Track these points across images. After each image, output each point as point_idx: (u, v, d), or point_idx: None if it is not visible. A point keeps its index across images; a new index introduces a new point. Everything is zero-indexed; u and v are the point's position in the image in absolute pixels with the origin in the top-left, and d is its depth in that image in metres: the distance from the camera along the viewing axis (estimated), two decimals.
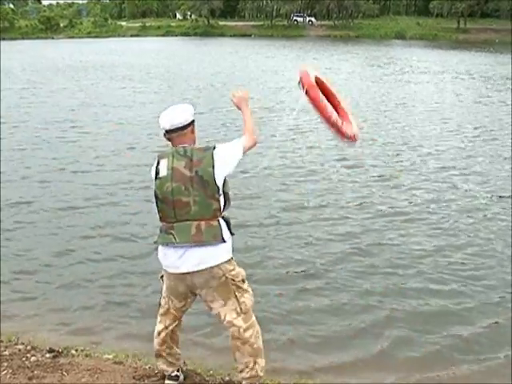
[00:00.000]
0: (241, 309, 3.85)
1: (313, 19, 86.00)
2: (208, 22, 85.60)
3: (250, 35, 77.01)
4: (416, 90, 24.91)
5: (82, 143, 14.22)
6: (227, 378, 4.49)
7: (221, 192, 3.74)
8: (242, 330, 3.86)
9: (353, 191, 10.41)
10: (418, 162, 12.51)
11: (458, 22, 77.69)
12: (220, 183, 3.72)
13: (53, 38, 76.11)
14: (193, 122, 3.88)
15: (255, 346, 3.89)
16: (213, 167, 3.69)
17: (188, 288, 3.85)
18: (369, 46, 56.56)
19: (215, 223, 3.72)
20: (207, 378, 4.46)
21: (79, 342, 5.25)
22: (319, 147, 13.82)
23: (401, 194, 10.27)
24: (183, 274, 3.77)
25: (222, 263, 3.75)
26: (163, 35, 79.70)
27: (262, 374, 3.96)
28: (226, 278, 3.78)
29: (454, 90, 25.24)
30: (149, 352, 4.88)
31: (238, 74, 31.03)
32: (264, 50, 51.89)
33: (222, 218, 3.79)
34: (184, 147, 3.78)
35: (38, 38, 75.80)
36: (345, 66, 35.96)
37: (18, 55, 42.59)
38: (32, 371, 4.50)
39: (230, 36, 76.73)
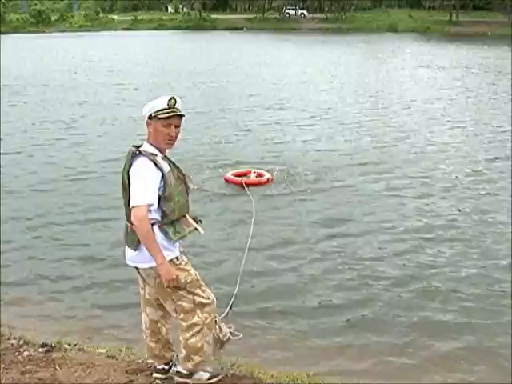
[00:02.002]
0: (177, 311, 3.91)
1: (305, 12, 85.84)
2: (200, 15, 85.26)
3: (241, 28, 76.66)
4: (426, 86, 24.06)
5: (81, 147, 13.67)
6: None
7: None
8: (182, 329, 3.95)
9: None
10: (444, 169, 11.77)
11: (450, 15, 77.66)
12: None
13: (44, 32, 75.55)
14: (150, 118, 3.77)
15: (192, 344, 3.94)
16: (128, 173, 3.72)
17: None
18: (366, 39, 55.76)
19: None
20: None
21: (72, 337, 5.25)
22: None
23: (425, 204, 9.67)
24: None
25: (155, 267, 3.75)
26: (155, 28, 79.13)
27: (191, 367, 4.04)
28: (161, 279, 3.76)
29: (468, 86, 24.25)
30: (142, 346, 4.89)
31: (240, 70, 30.50)
32: (263, 44, 51.23)
33: (158, 226, 3.73)
34: (130, 148, 3.81)
35: (29, 31, 75.21)
36: (349, 60, 35.36)
37: (9, 52, 42.14)
38: (24, 366, 4.50)
39: (222, 29, 76.23)
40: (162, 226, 3.74)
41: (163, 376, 4.22)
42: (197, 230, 3.97)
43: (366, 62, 35.07)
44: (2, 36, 65.27)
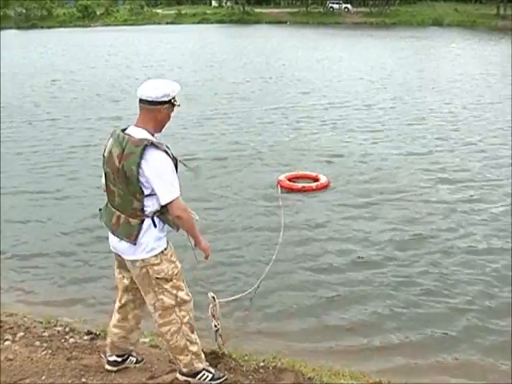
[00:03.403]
0: (155, 306, 3.79)
1: (349, 6, 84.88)
2: (243, 9, 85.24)
3: (285, 22, 76.23)
4: (484, 84, 22.70)
5: None
6: (262, 364, 4.51)
7: (147, 193, 3.56)
8: (157, 325, 3.89)
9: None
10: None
11: (498, 8, 75.72)
12: (145, 185, 3.54)
13: (90, 26, 76.78)
14: (167, 102, 3.57)
15: (171, 342, 3.88)
16: (138, 166, 3.46)
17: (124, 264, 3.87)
18: (412, 33, 53.69)
19: (135, 222, 3.61)
20: (242, 363, 4.49)
21: None
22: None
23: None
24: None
25: (146, 258, 3.67)
26: (198, 22, 79.47)
27: (185, 370, 3.98)
28: (147, 270, 3.69)
29: None
30: None
31: (289, 64, 29.83)
32: (309, 38, 50.07)
33: (156, 216, 3.63)
34: (124, 135, 3.57)
35: (75, 26, 76.64)
36: (401, 56, 34.04)
37: (56, 47, 42.76)
38: (70, 352, 4.60)
39: (266, 23, 75.79)
40: (161, 215, 3.66)
41: (115, 368, 4.22)
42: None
43: (419, 57, 33.80)
44: (49, 31, 66.59)
